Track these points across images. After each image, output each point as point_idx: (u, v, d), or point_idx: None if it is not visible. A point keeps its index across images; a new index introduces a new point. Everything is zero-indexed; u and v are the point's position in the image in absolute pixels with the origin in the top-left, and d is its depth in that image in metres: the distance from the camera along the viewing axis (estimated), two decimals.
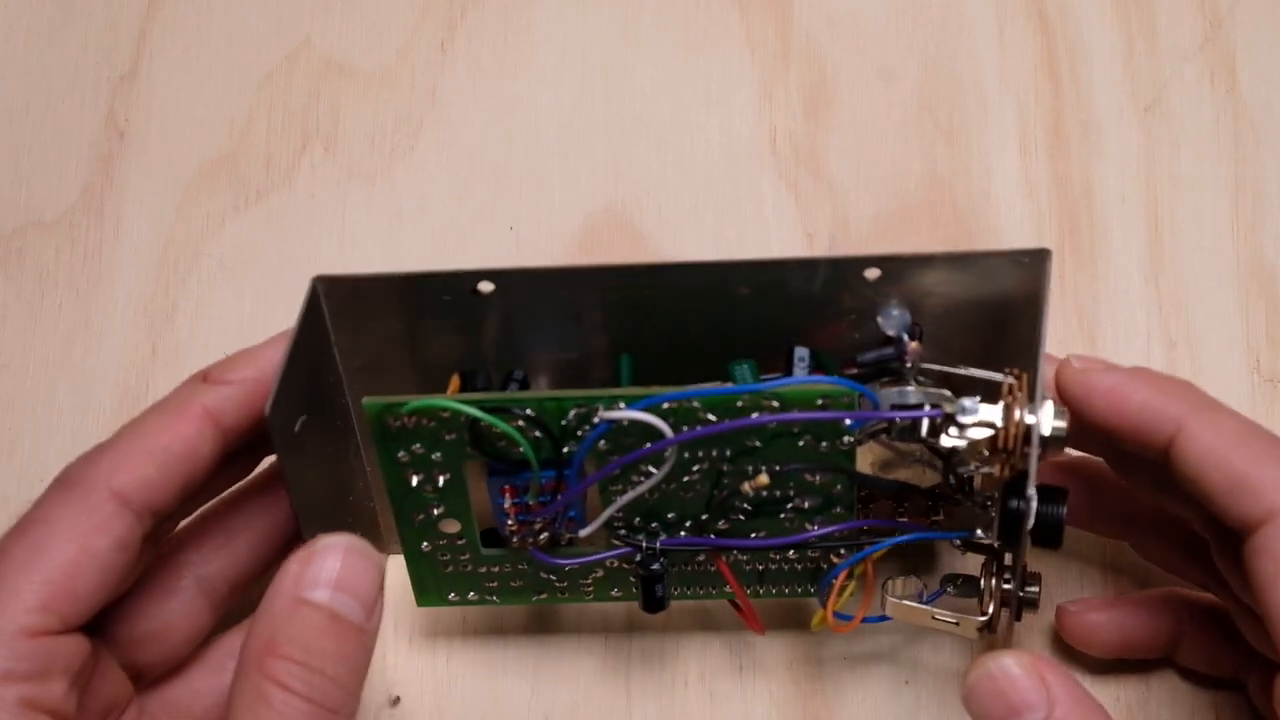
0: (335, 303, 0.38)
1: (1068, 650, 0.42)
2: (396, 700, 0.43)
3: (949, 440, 0.36)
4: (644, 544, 0.38)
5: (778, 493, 0.38)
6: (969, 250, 0.38)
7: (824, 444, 0.37)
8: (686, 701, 0.43)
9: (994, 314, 0.39)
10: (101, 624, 0.37)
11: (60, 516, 0.35)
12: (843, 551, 0.38)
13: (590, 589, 0.40)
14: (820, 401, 0.36)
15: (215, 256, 0.47)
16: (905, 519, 0.40)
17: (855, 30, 0.50)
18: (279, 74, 0.49)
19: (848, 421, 0.36)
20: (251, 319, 0.47)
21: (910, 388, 0.38)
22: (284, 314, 0.46)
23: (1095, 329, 0.47)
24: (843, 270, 0.38)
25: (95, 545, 0.35)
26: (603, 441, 0.36)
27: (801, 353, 0.38)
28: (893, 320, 0.39)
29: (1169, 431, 0.36)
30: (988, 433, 0.36)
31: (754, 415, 0.36)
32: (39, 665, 0.34)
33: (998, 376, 0.37)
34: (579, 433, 0.36)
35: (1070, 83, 0.50)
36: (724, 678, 0.43)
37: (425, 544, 0.39)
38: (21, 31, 0.49)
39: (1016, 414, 0.35)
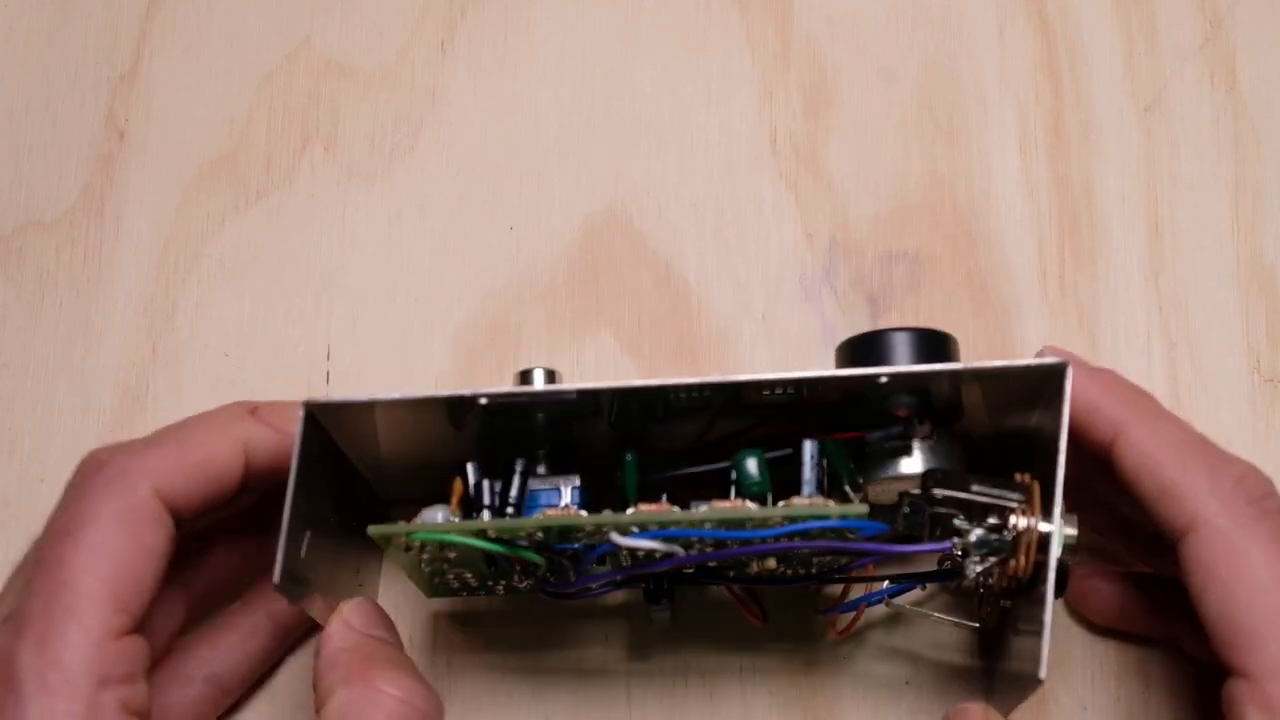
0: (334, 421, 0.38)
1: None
2: None
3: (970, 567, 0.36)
4: (649, 586, 0.39)
5: (787, 571, 0.38)
6: (982, 366, 0.37)
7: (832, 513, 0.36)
8: (686, 701, 0.43)
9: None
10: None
11: (110, 514, 0.35)
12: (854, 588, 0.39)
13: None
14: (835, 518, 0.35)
15: (215, 256, 0.47)
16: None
17: (855, 30, 0.50)
18: (279, 74, 0.49)
19: (861, 544, 0.36)
20: (251, 319, 0.47)
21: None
22: (284, 314, 0.47)
23: (1095, 329, 0.47)
24: (854, 381, 0.37)
25: (148, 542, 0.35)
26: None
27: (811, 449, 0.37)
28: (902, 402, 0.39)
29: (1110, 434, 0.36)
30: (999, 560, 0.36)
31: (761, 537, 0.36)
32: (129, 667, 0.34)
33: (1011, 497, 0.36)
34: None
35: (1070, 83, 0.50)
36: (724, 678, 0.43)
37: (437, 579, 0.40)
38: (21, 31, 0.49)
39: (1027, 523, 0.36)
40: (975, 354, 0.46)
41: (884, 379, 0.36)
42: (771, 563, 0.37)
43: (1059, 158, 0.49)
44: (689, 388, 0.36)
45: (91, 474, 0.36)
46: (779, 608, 0.43)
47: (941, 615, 0.39)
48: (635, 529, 0.35)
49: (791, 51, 0.50)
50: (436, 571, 0.39)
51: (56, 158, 0.48)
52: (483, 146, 0.48)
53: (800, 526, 0.35)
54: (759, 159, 0.49)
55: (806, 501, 0.36)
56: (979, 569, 0.36)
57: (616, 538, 0.35)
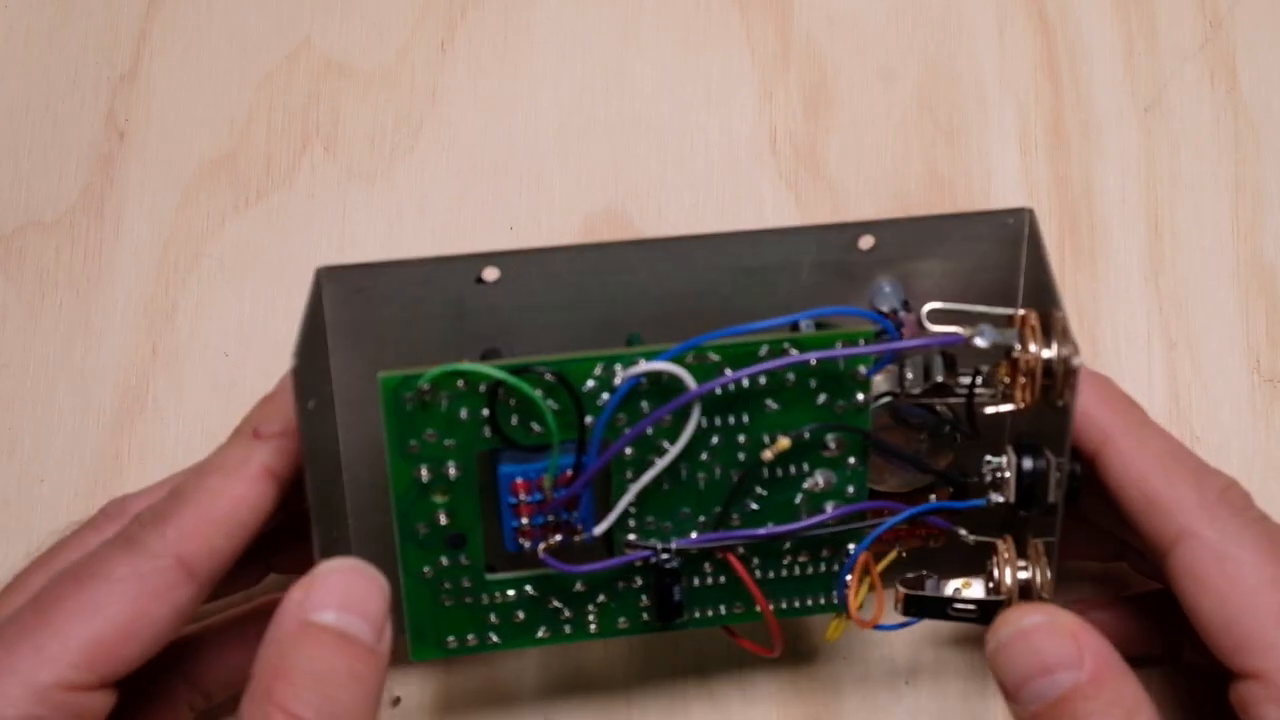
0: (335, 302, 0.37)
1: None
2: (397, 700, 0.43)
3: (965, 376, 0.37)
4: (659, 546, 0.38)
5: (791, 469, 0.37)
6: (951, 213, 0.38)
7: (840, 403, 0.36)
8: (686, 701, 0.43)
9: (986, 292, 0.39)
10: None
11: (122, 577, 0.34)
12: (850, 548, 0.38)
13: (595, 620, 0.39)
14: (839, 344, 0.36)
15: (215, 256, 0.47)
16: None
17: (855, 30, 0.50)
18: (279, 74, 0.49)
19: (864, 348, 0.36)
20: (251, 319, 0.47)
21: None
22: (284, 314, 0.47)
23: (1095, 329, 0.48)
24: (832, 245, 0.38)
25: (153, 613, 0.34)
26: (622, 414, 0.36)
27: (808, 324, 0.38)
28: (885, 296, 0.39)
29: (1096, 442, 0.36)
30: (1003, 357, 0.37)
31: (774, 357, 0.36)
32: (66, 718, 0.33)
33: (1008, 311, 0.37)
34: (598, 403, 0.36)
35: (1070, 83, 0.50)
36: (724, 678, 0.43)
37: (426, 568, 0.37)
38: (21, 31, 0.49)
39: (1032, 346, 0.36)
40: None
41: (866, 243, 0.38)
42: (785, 441, 0.36)
43: (1059, 158, 0.49)
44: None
45: (118, 540, 0.35)
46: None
47: (961, 605, 0.39)
48: (643, 360, 0.35)
49: (791, 51, 0.50)
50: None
51: (56, 158, 0.48)
52: (483, 146, 0.48)
53: (807, 314, 0.37)
54: (759, 159, 0.49)
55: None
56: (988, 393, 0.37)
57: (628, 370, 0.35)
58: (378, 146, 0.48)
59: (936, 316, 0.38)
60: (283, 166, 0.48)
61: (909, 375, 0.38)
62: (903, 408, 0.39)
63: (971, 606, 0.38)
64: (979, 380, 0.38)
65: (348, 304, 0.37)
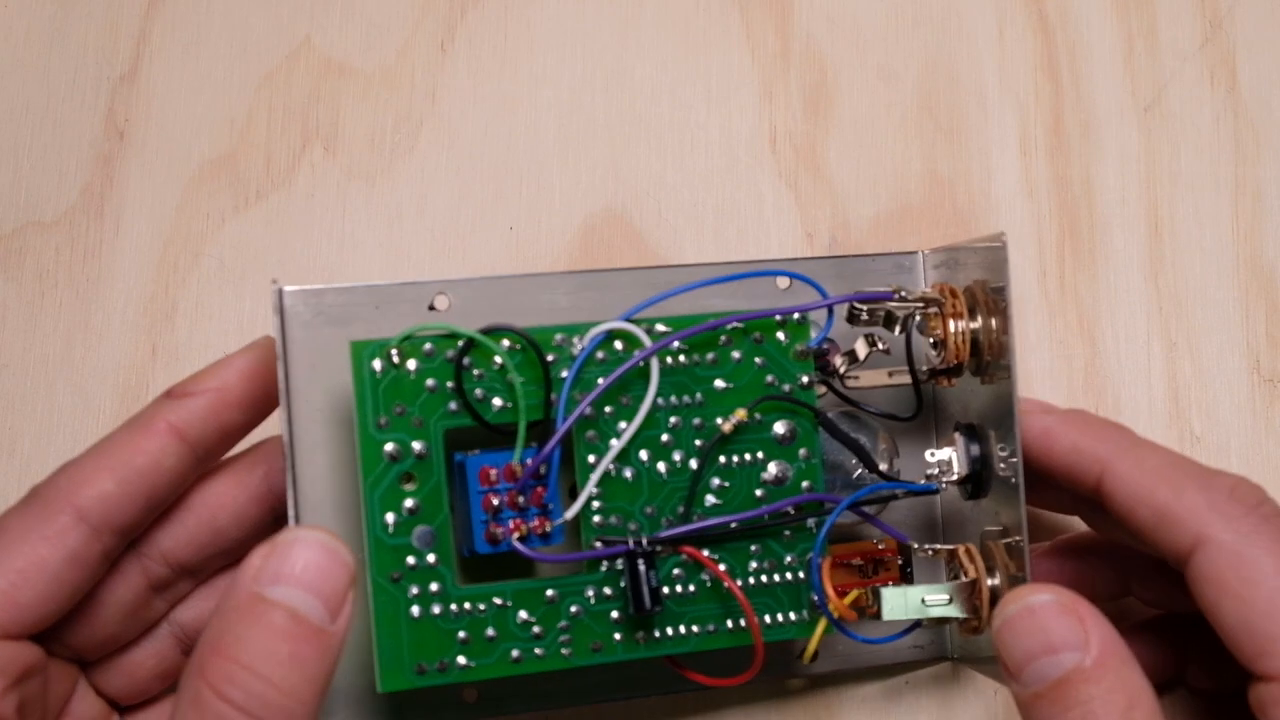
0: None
1: None
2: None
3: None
4: (630, 539, 0.38)
5: (748, 456, 0.39)
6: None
7: (787, 385, 0.40)
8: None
9: None
10: (74, 647, 0.37)
11: (15, 527, 0.35)
12: (810, 523, 0.40)
13: (568, 639, 0.38)
14: (778, 318, 0.40)
15: (215, 256, 0.47)
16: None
17: (855, 30, 0.50)
18: (279, 74, 0.49)
19: (788, 307, 0.40)
20: (251, 319, 0.47)
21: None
22: None
23: (1095, 329, 0.48)
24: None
25: (45, 557, 0.35)
26: (578, 392, 0.38)
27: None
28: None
29: (1096, 472, 0.36)
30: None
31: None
32: None
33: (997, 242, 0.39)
34: (561, 375, 0.38)
35: (1070, 83, 0.50)
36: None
37: (396, 571, 0.37)
38: (21, 31, 0.49)
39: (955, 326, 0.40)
40: None
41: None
42: (741, 412, 0.39)
43: (1059, 158, 0.49)
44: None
45: (23, 497, 0.36)
46: (789, 648, 0.43)
47: (934, 597, 0.39)
48: (601, 334, 0.38)
49: (791, 51, 0.50)
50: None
51: (56, 158, 0.48)
52: (483, 146, 0.48)
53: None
54: (759, 159, 0.49)
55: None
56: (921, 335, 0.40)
57: (591, 333, 0.38)
58: (378, 146, 0.48)
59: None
60: (282, 166, 0.48)
61: (837, 361, 0.41)
62: (834, 424, 0.41)
63: (945, 597, 0.39)
64: (915, 318, 0.40)
65: (308, 325, 0.39)
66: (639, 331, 0.38)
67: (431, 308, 0.39)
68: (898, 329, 0.40)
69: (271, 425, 0.39)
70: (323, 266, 0.47)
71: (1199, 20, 0.50)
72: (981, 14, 0.50)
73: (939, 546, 0.41)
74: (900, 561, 0.41)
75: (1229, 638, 0.34)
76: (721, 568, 0.39)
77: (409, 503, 0.37)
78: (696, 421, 0.39)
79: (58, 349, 0.46)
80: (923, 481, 0.41)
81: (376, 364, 0.37)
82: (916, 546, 0.40)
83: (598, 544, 0.38)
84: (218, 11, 0.49)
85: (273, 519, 0.39)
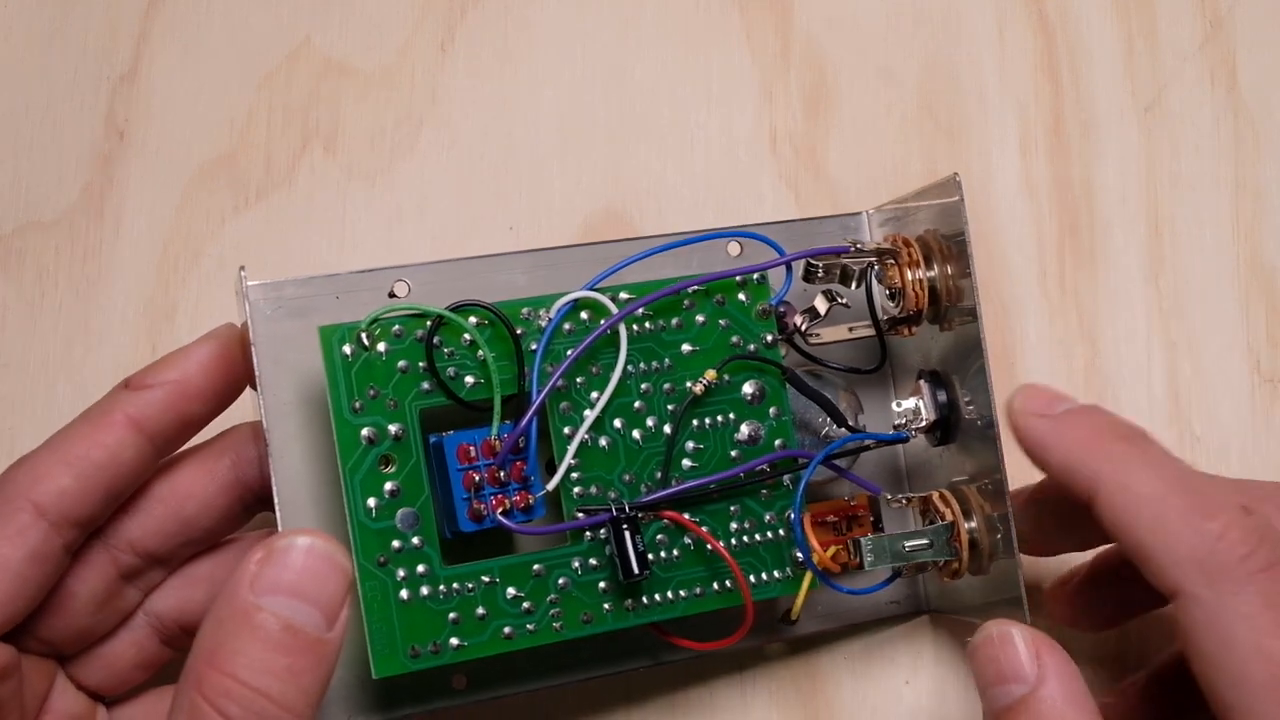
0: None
1: None
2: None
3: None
4: (613, 507, 0.39)
5: (719, 418, 0.40)
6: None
7: (752, 346, 0.40)
8: (686, 701, 0.43)
9: None
10: (49, 641, 0.37)
11: None
12: (786, 481, 0.40)
13: (559, 612, 0.38)
14: (739, 279, 0.40)
15: (215, 256, 0.47)
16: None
17: (855, 30, 0.50)
18: (279, 74, 0.49)
19: (746, 266, 0.41)
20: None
21: None
22: None
23: (1095, 329, 0.48)
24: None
25: (7, 556, 0.35)
26: (549, 365, 0.38)
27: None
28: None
29: (1088, 490, 0.35)
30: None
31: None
32: None
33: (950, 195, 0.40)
34: (531, 348, 0.38)
35: (1070, 83, 0.50)
36: (724, 678, 0.43)
37: (382, 556, 0.37)
38: (21, 31, 0.49)
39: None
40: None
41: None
42: (711, 373, 0.40)
43: (1059, 158, 0.49)
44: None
45: None
46: (770, 611, 0.43)
47: (914, 543, 0.40)
48: (568, 304, 0.39)
49: (791, 51, 0.50)
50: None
51: (56, 158, 0.48)
52: (483, 146, 0.48)
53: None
54: (759, 159, 0.49)
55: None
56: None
57: (559, 303, 0.38)
58: (378, 146, 0.48)
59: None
60: (282, 166, 0.48)
61: (798, 319, 0.41)
62: (801, 380, 0.41)
63: (925, 541, 0.40)
64: (874, 268, 0.41)
65: (270, 320, 0.39)
66: (605, 299, 0.39)
67: (392, 294, 0.39)
68: (854, 283, 0.41)
69: (233, 413, 0.39)
70: (323, 267, 0.47)
71: (1199, 20, 0.50)
72: (981, 14, 0.50)
73: (910, 495, 0.42)
74: (872, 517, 0.41)
75: (1202, 690, 0.34)
76: (704, 529, 0.39)
77: (389, 485, 0.37)
78: (667, 386, 0.40)
79: (58, 349, 0.46)
80: (891, 432, 0.41)
81: (347, 348, 0.37)
82: (890, 498, 0.41)
83: (579, 514, 0.39)
84: (218, 11, 0.49)
85: (241, 508, 0.39)
